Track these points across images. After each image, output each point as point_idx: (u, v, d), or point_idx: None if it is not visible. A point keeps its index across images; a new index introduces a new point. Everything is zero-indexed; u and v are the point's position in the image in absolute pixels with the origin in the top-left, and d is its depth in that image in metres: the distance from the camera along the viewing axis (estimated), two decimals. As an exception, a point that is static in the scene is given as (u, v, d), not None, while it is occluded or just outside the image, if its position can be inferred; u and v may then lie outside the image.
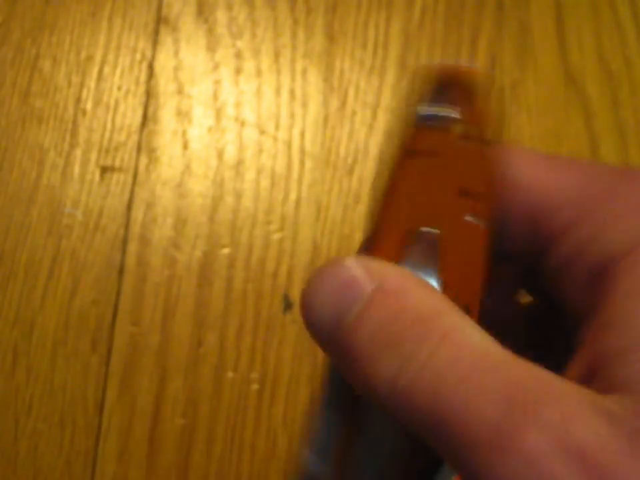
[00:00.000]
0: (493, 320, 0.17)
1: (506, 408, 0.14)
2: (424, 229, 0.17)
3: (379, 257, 0.17)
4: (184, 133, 0.53)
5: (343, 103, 0.54)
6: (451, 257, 0.17)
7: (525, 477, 0.13)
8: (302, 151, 0.53)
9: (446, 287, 0.17)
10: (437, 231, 0.17)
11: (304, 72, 0.55)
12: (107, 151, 0.52)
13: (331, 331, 0.16)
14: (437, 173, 0.18)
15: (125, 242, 0.50)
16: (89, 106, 0.53)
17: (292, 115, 0.54)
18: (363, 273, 0.16)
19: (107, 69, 0.54)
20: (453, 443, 0.14)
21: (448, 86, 0.19)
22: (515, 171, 0.18)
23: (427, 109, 0.19)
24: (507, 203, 0.18)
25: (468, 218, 0.17)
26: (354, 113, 0.54)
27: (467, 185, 0.18)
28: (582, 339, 0.16)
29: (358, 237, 0.52)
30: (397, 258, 0.17)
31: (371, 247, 0.18)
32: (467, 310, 0.16)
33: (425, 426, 0.15)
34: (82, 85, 0.54)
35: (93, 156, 0.52)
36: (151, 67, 0.54)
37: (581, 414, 0.13)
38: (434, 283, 0.17)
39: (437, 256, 0.17)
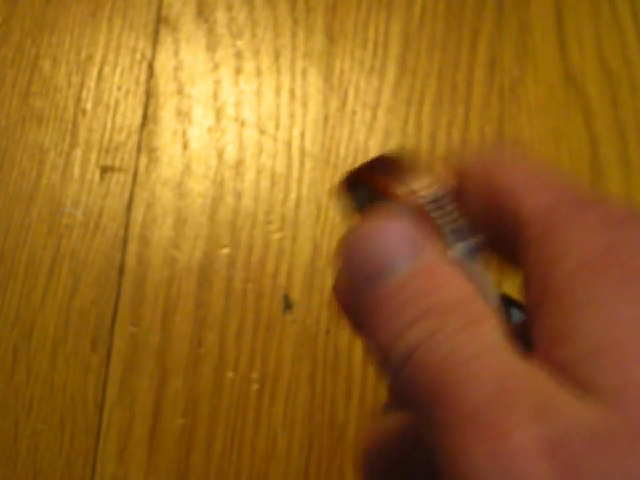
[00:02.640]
0: None
1: (495, 392, 0.14)
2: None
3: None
4: (184, 132, 0.53)
5: (343, 103, 0.54)
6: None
7: (494, 460, 0.13)
8: (302, 151, 0.53)
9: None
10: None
11: (304, 72, 0.55)
12: (107, 151, 0.52)
13: (365, 289, 0.17)
14: None
15: (125, 242, 0.50)
16: (88, 106, 0.53)
17: (292, 115, 0.54)
18: (407, 241, 0.17)
19: (107, 69, 0.54)
20: (439, 418, 0.14)
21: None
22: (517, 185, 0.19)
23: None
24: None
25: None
26: (354, 112, 0.54)
27: None
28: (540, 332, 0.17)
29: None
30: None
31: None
32: None
33: (419, 401, 0.15)
34: (82, 85, 0.54)
35: (93, 156, 0.52)
36: (150, 67, 0.54)
37: (566, 413, 0.14)
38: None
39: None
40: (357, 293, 0.17)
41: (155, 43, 0.55)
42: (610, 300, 0.15)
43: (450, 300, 0.16)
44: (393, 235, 0.17)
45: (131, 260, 0.50)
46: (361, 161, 0.53)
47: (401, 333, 0.16)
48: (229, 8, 0.56)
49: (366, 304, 0.17)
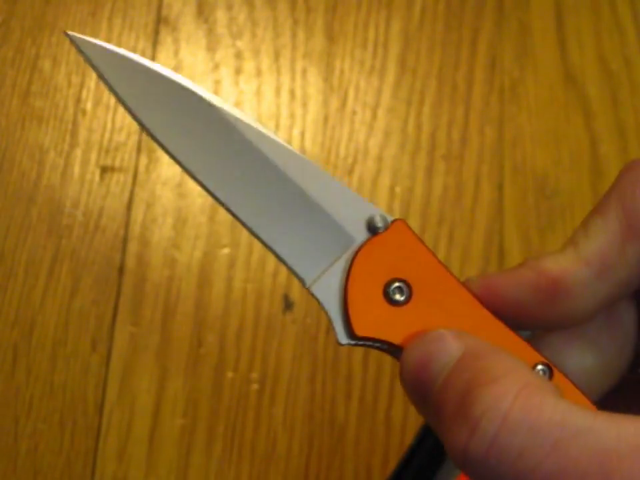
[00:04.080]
0: None
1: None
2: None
3: None
4: (184, 133, 0.53)
5: (343, 103, 0.54)
6: None
7: None
8: (302, 151, 0.53)
9: None
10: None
11: (304, 72, 0.55)
12: (107, 151, 0.52)
13: (422, 391, 0.17)
14: None
15: (125, 242, 0.50)
16: (88, 106, 0.53)
17: (292, 115, 0.54)
18: (452, 336, 0.17)
19: (107, 69, 0.54)
20: None
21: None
22: None
23: None
24: None
25: None
26: (354, 112, 0.54)
27: None
28: None
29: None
30: None
31: None
32: None
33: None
34: (82, 85, 0.54)
35: (93, 156, 0.52)
36: (150, 67, 0.54)
37: None
38: None
39: None
40: (418, 395, 0.17)
41: (155, 43, 0.55)
42: None
43: (490, 377, 0.15)
44: (440, 341, 0.17)
45: (131, 260, 0.50)
46: (361, 160, 0.53)
47: (455, 426, 0.15)
48: (229, 8, 0.56)
49: (426, 403, 0.16)
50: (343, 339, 0.19)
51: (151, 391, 0.47)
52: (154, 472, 0.46)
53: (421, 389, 0.17)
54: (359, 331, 0.19)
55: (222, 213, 0.51)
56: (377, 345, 0.19)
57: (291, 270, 0.19)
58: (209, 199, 0.52)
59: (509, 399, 0.15)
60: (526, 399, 0.15)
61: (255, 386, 0.48)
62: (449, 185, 0.53)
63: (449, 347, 0.17)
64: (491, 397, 0.15)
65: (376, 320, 0.19)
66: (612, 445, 0.13)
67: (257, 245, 0.51)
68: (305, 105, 0.54)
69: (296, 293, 0.50)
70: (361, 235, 0.20)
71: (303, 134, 0.53)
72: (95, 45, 0.20)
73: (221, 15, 0.56)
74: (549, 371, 0.18)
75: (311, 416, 0.47)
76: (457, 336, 0.17)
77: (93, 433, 0.47)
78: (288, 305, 0.49)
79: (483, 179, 0.53)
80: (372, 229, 0.20)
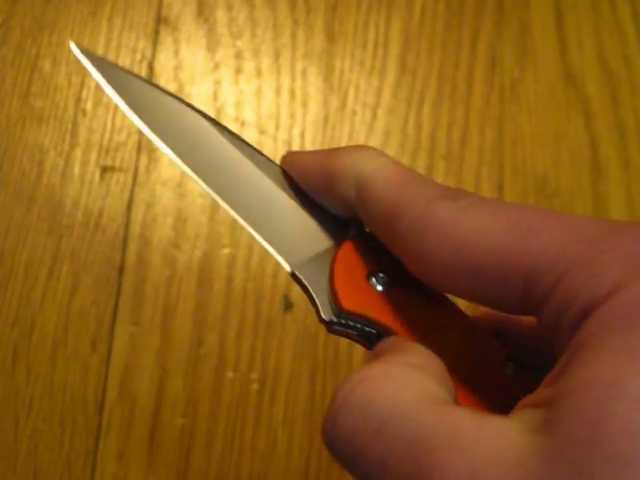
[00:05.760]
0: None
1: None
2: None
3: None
4: (184, 132, 0.53)
5: (343, 103, 0.54)
6: None
7: None
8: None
9: None
10: None
11: (304, 72, 0.55)
12: (107, 151, 0.52)
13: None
14: None
15: (125, 242, 0.50)
16: (89, 106, 0.53)
17: (292, 115, 0.54)
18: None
19: (107, 69, 0.54)
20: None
21: None
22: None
23: None
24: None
25: None
26: (354, 112, 0.54)
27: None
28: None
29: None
30: None
31: None
32: None
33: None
34: (82, 85, 0.54)
35: (93, 156, 0.52)
36: (151, 67, 0.54)
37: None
38: None
39: None
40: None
41: (155, 42, 0.55)
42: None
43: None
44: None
45: (130, 260, 0.50)
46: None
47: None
48: (229, 8, 0.56)
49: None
50: (327, 314, 0.20)
51: (151, 391, 0.47)
52: (154, 472, 0.46)
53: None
54: (346, 304, 0.19)
55: (222, 213, 0.51)
56: (358, 326, 0.20)
57: (273, 254, 0.20)
58: (209, 199, 0.52)
59: (354, 381, 0.15)
60: (369, 382, 0.15)
61: (255, 386, 0.48)
62: (449, 185, 0.53)
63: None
64: (344, 380, 0.16)
65: (361, 298, 0.20)
66: (428, 435, 0.13)
67: (257, 246, 0.51)
68: (305, 104, 0.54)
69: (296, 293, 0.50)
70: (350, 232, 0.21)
71: (303, 134, 0.53)
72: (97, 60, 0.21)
73: (221, 15, 0.56)
74: (519, 367, 0.19)
75: (311, 416, 0.47)
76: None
77: (93, 433, 0.47)
78: (288, 305, 0.49)
79: (483, 179, 0.53)
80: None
